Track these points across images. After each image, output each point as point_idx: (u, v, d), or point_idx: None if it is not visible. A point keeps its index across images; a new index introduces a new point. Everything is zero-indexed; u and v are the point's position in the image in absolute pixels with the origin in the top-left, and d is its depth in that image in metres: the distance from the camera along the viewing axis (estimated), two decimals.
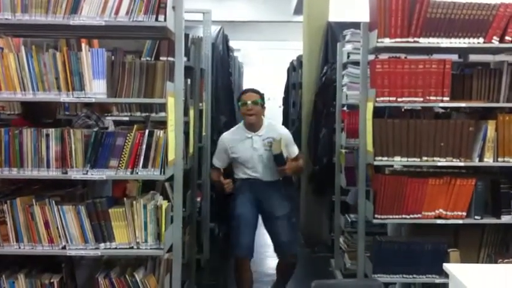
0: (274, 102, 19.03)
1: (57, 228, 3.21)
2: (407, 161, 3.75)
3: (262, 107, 4.42)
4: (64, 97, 3.18)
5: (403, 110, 4.22)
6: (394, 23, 3.62)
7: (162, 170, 3.19)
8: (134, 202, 3.21)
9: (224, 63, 6.96)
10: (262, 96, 4.45)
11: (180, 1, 3.31)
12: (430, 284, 3.92)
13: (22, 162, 3.18)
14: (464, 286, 2.20)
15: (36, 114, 3.82)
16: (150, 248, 3.23)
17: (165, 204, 3.29)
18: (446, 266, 2.47)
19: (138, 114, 4.79)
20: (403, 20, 3.62)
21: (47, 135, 3.18)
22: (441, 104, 3.73)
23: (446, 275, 2.50)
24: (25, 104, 4.03)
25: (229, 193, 4.46)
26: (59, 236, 3.22)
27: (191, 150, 4.74)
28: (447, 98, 3.70)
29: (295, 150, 4.49)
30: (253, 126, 4.38)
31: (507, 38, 3.63)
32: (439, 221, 3.78)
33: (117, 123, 4.47)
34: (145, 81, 3.26)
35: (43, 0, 3.10)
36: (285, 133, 4.51)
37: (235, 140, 4.41)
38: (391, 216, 3.80)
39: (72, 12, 3.10)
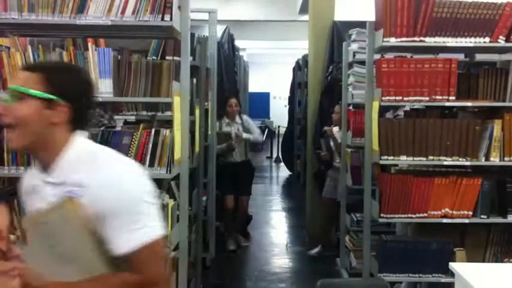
0: (280, 101, 19.06)
1: None
2: (413, 160, 3.75)
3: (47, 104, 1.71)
4: None
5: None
6: (400, 22, 3.61)
7: (168, 168, 3.20)
8: None
9: (230, 62, 6.97)
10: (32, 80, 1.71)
11: (186, 1, 3.32)
12: (436, 284, 3.92)
13: (29, 161, 3.19)
14: (471, 285, 2.20)
15: None
16: None
17: (171, 203, 3.30)
18: (453, 266, 2.47)
19: (144, 113, 4.80)
20: (408, 20, 3.61)
21: None
22: (447, 104, 3.72)
23: (452, 275, 2.50)
24: None
25: None
26: None
27: (197, 149, 4.74)
28: (453, 98, 3.69)
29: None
30: (43, 160, 1.78)
31: None
32: (445, 221, 3.77)
33: (123, 122, 4.49)
34: (151, 81, 3.27)
35: (49, 0, 3.11)
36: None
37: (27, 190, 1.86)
38: (396, 216, 3.80)
39: (78, 12, 3.12)
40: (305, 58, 8.21)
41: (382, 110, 3.94)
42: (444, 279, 3.78)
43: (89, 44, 3.28)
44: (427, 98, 3.69)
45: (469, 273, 2.33)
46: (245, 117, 6.50)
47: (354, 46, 5.14)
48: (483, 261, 3.92)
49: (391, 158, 3.74)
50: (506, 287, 2.25)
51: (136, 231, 1.67)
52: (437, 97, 3.68)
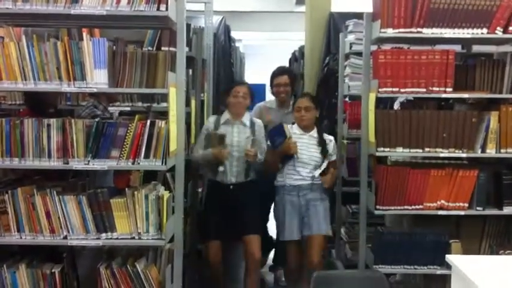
0: None
1: (59, 218, 3.21)
2: (410, 152, 3.74)
3: None
4: (65, 87, 3.18)
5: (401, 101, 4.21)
6: (397, 13, 3.60)
7: (164, 160, 3.19)
8: (136, 192, 3.21)
9: (226, 53, 6.93)
10: None
11: None
12: (431, 275, 3.92)
13: (23, 152, 3.18)
14: (467, 277, 2.19)
15: (40, 104, 3.81)
16: (152, 239, 3.23)
17: (166, 194, 3.29)
18: (449, 258, 2.47)
19: (140, 104, 4.78)
20: (406, 10, 3.59)
21: (49, 125, 3.17)
22: (444, 95, 3.71)
23: (448, 266, 2.50)
24: (28, 95, 4.02)
25: None
26: (60, 226, 3.22)
27: (193, 140, 4.73)
28: (450, 89, 3.68)
29: None
30: None
31: (511, 28, 3.61)
32: (440, 212, 3.78)
33: (118, 113, 4.46)
34: (146, 71, 3.25)
35: None
36: None
37: None
38: (392, 208, 3.80)
39: (73, 2, 3.09)
40: (301, 49, 8.16)
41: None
42: (439, 271, 3.78)
43: (84, 34, 3.25)
44: (424, 90, 3.68)
45: (466, 265, 2.32)
46: (259, 122, 4.40)
47: (351, 37, 5.11)
48: (478, 253, 3.93)
49: (388, 149, 3.74)
50: (504, 279, 2.24)
51: None
52: (434, 88, 3.67)
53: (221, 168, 4.13)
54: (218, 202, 4.23)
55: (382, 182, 3.76)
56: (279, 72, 5.03)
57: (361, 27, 4.19)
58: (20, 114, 4.13)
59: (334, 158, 4.28)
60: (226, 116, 4.30)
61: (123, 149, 3.19)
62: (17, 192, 3.20)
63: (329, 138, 4.28)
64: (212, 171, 4.25)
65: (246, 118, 4.32)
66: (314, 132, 4.23)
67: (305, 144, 4.17)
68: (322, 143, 4.18)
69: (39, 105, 3.81)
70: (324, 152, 4.16)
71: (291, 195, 4.16)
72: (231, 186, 4.21)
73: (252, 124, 4.32)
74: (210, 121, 4.36)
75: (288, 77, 4.93)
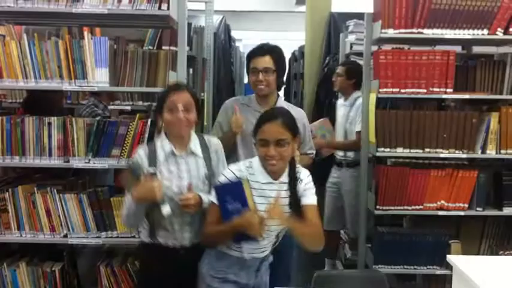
0: None
1: (59, 216, 3.22)
2: (410, 152, 3.74)
3: None
4: (66, 85, 3.18)
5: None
6: (398, 13, 3.60)
7: None
8: None
9: (226, 53, 6.93)
10: None
11: None
12: (431, 275, 3.92)
13: (24, 150, 3.18)
14: (469, 278, 2.19)
15: (43, 105, 3.81)
16: None
17: None
18: (451, 258, 2.47)
19: (140, 103, 4.78)
20: (407, 11, 3.60)
21: (49, 124, 3.18)
22: (444, 96, 3.71)
23: (447, 266, 2.50)
24: (30, 97, 4.02)
25: None
26: (61, 225, 3.23)
27: None
28: (450, 90, 3.68)
29: None
30: None
31: (511, 29, 3.61)
32: (440, 213, 3.78)
33: (119, 112, 4.46)
34: (147, 70, 3.26)
35: None
36: None
37: None
38: (392, 208, 3.80)
39: (74, 0, 3.09)
40: (301, 49, 8.16)
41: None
42: (439, 271, 3.78)
43: (85, 33, 3.25)
44: (425, 90, 3.68)
45: (468, 266, 2.32)
46: (213, 141, 2.73)
47: (351, 37, 5.12)
48: (478, 253, 3.93)
49: (388, 149, 3.74)
50: (505, 280, 2.24)
51: None
52: (435, 89, 3.68)
53: (166, 209, 2.49)
54: (161, 276, 2.62)
55: (383, 182, 3.76)
56: (256, 51, 3.26)
57: (362, 28, 4.19)
58: (18, 114, 4.13)
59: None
60: (166, 145, 2.61)
61: (124, 148, 3.19)
62: (17, 191, 3.20)
63: (301, 177, 2.57)
64: (150, 230, 2.63)
65: (195, 142, 2.67)
66: (285, 177, 2.55)
67: (273, 199, 2.44)
68: (293, 192, 2.54)
69: (42, 106, 3.81)
70: (295, 208, 2.54)
71: (247, 271, 2.59)
72: (182, 251, 2.62)
73: (205, 148, 2.68)
74: (140, 155, 2.60)
75: (270, 59, 3.20)
